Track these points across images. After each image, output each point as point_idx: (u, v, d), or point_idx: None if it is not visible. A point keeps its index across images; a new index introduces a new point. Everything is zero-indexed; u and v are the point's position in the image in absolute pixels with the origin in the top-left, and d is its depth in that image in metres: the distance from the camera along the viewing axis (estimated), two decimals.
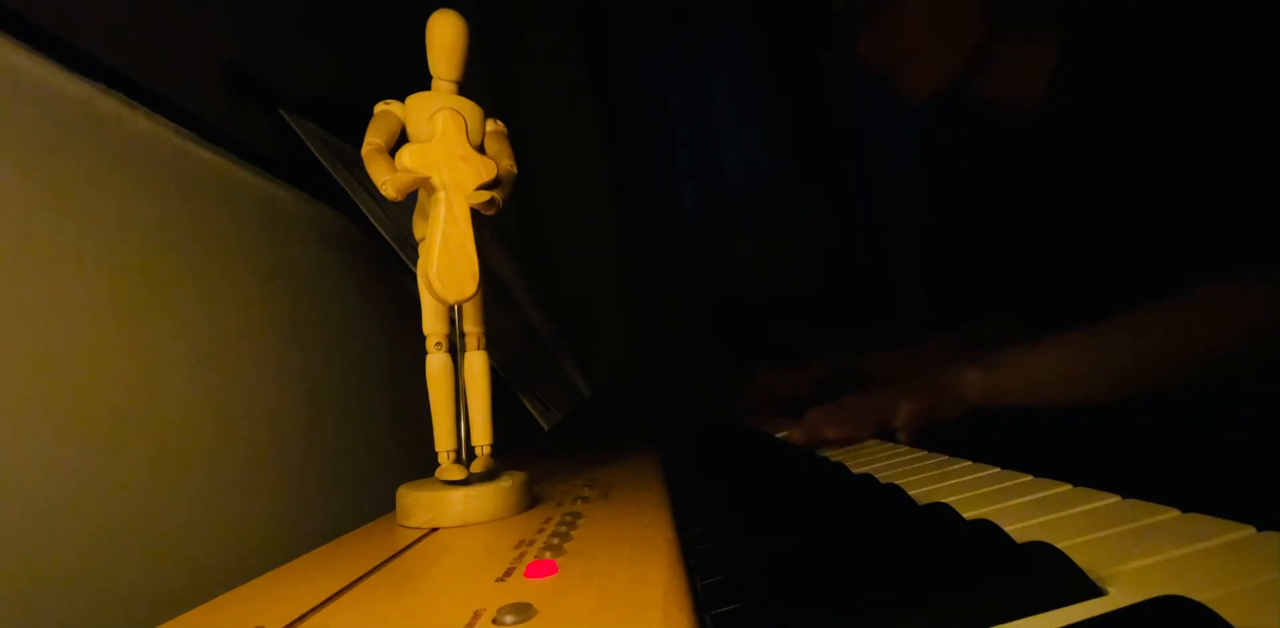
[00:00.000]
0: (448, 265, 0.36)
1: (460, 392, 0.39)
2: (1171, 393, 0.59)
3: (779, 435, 0.68)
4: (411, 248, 0.43)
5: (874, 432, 0.61)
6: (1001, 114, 0.76)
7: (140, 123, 0.38)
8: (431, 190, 0.37)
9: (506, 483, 0.38)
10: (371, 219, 0.56)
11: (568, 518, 0.35)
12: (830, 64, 0.80)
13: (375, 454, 0.53)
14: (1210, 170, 0.58)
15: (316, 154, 0.56)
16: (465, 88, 0.39)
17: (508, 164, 0.39)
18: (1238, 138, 0.57)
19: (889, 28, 0.73)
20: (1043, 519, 0.31)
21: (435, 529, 0.36)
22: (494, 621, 0.22)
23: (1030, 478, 0.38)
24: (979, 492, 0.37)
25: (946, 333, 0.94)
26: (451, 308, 0.39)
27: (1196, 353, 0.58)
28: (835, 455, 0.56)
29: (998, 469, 0.42)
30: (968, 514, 0.30)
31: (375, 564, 0.30)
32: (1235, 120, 0.57)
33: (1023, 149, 0.75)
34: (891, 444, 0.59)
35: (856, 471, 0.47)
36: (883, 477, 0.45)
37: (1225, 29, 0.58)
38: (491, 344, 0.41)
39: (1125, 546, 0.26)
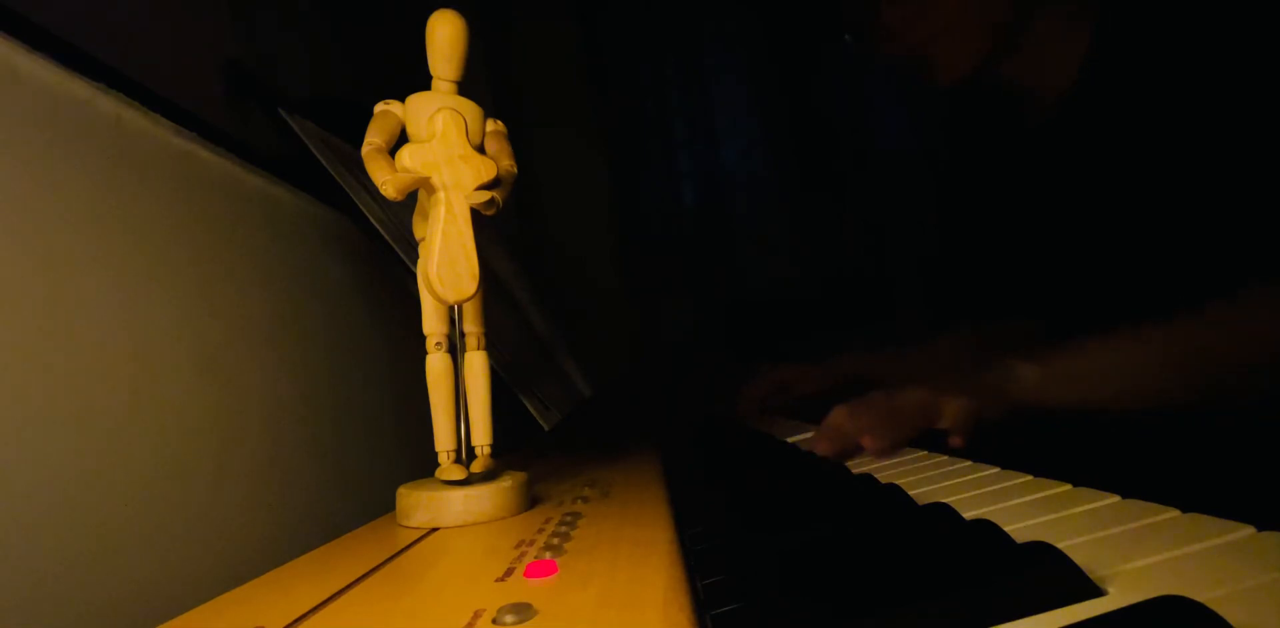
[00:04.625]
0: (448, 265, 0.36)
1: (460, 392, 0.39)
2: (1240, 396, 0.55)
3: (790, 440, 0.63)
4: (411, 248, 0.43)
5: (914, 435, 0.54)
6: (1025, 101, 0.73)
7: (140, 123, 0.38)
8: (431, 190, 0.37)
9: (506, 483, 0.38)
10: (371, 219, 0.56)
11: (568, 518, 0.35)
12: (853, 44, 0.76)
13: (375, 454, 0.53)
14: (1247, 169, 0.56)
15: (316, 154, 0.56)
16: (465, 88, 0.39)
17: (508, 164, 0.39)
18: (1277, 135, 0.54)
19: (919, 2, 0.69)
20: (1043, 519, 0.31)
21: (435, 529, 0.36)
22: (494, 621, 0.22)
23: (1030, 478, 0.38)
24: (979, 492, 0.37)
25: (957, 333, 0.90)
26: (451, 308, 0.39)
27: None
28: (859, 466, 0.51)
29: (998, 469, 0.42)
30: (968, 514, 0.30)
31: (375, 564, 0.30)
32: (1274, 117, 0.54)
33: (1042, 140, 0.73)
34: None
35: (856, 470, 0.47)
36: (883, 477, 0.45)
37: (1267, 22, 0.55)
38: (491, 344, 0.41)
39: (1125, 546, 0.26)
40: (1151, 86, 0.62)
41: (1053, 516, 0.31)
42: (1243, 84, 0.57)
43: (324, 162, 0.56)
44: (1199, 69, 0.59)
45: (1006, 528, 0.27)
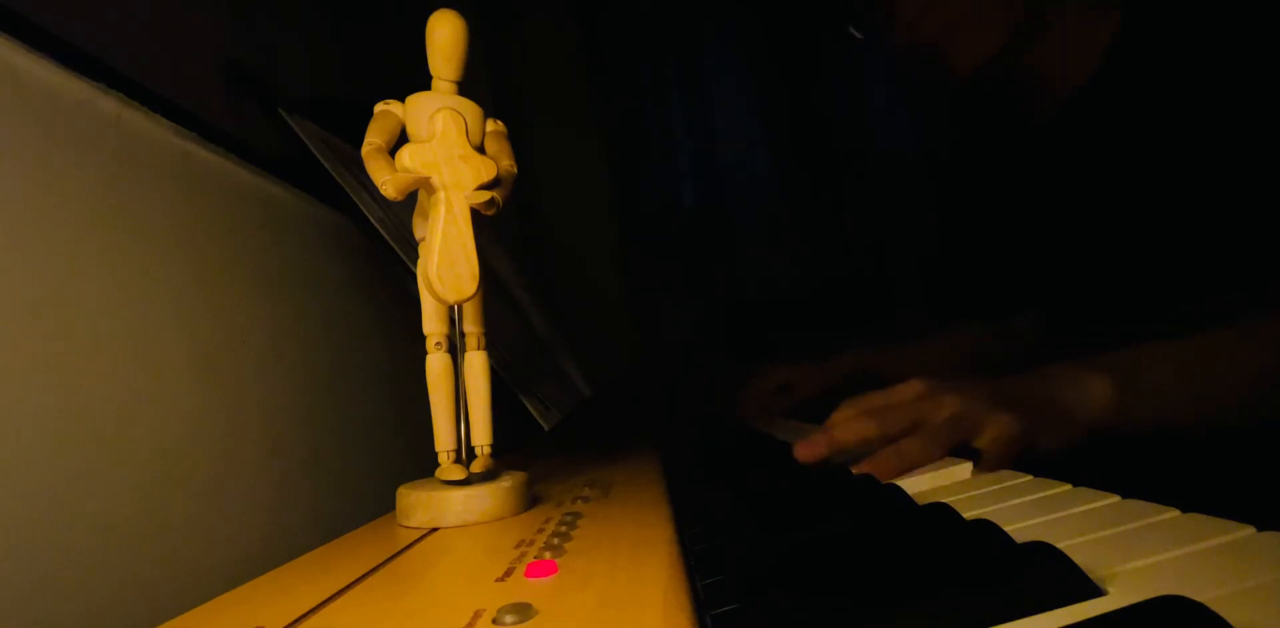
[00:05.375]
0: (448, 265, 0.36)
1: (460, 392, 0.39)
2: None
3: (791, 440, 0.55)
4: (411, 248, 0.43)
5: (947, 452, 0.44)
6: (1034, 96, 0.72)
7: (140, 123, 0.38)
8: (431, 190, 0.37)
9: (506, 483, 0.38)
10: (371, 219, 0.56)
11: (568, 518, 0.35)
12: (858, 37, 0.73)
13: (375, 454, 0.53)
14: (1271, 166, 0.54)
15: (316, 154, 0.56)
16: (465, 88, 0.39)
17: (508, 164, 0.39)
18: None
19: None
20: (1043, 519, 0.31)
21: (435, 529, 0.36)
22: (494, 621, 0.22)
23: (1030, 478, 0.38)
24: (979, 492, 0.37)
25: (959, 332, 0.90)
26: (451, 308, 0.39)
27: None
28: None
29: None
30: (968, 514, 0.30)
31: (375, 564, 0.30)
32: None
33: (1051, 136, 0.71)
34: None
35: (856, 470, 0.47)
36: None
37: None
38: (491, 344, 0.41)
39: (1125, 546, 0.26)
40: (1179, 76, 0.60)
41: (1053, 516, 0.31)
42: (1274, 76, 0.55)
43: (324, 162, 0.56)
44: (1228, 59, 0.57)
45: (1006, 528, 0.27)
